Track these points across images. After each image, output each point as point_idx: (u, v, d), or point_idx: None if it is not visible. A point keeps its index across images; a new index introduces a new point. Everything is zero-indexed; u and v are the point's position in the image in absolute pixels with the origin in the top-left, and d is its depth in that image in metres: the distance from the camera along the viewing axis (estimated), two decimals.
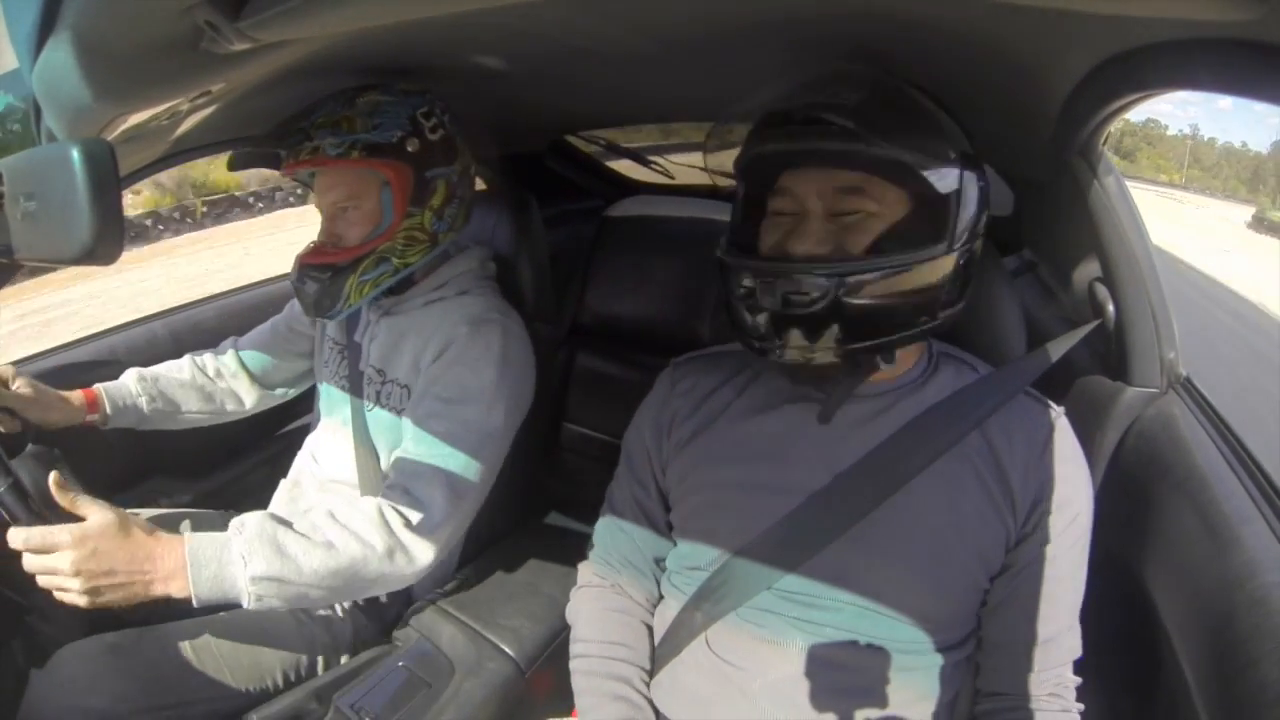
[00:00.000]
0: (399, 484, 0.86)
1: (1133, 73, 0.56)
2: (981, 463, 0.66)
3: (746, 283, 0.63)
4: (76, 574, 0.66)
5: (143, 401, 1.02)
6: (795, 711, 0.65)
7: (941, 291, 0.63)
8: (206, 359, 1.11)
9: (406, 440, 0.90)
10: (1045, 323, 0.91)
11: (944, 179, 0.62)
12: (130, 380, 1.03)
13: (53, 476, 0.69)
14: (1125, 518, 0.72)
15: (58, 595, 0.68)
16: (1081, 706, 0.66)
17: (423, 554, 0.82)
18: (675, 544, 0.76)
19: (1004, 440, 0.66)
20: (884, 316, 0.62)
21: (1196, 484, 0.64)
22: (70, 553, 0.66)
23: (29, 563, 0.67)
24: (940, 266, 0.62)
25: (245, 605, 0.72)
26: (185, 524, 1.02)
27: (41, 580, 0.68)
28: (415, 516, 0.82)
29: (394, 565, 0.80)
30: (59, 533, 0.66)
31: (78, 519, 0.69)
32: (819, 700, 0.65)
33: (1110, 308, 0.77)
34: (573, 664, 0.76)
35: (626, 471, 0.81)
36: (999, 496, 0.65)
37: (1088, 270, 0.81)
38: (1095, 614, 0.70)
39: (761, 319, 0.63)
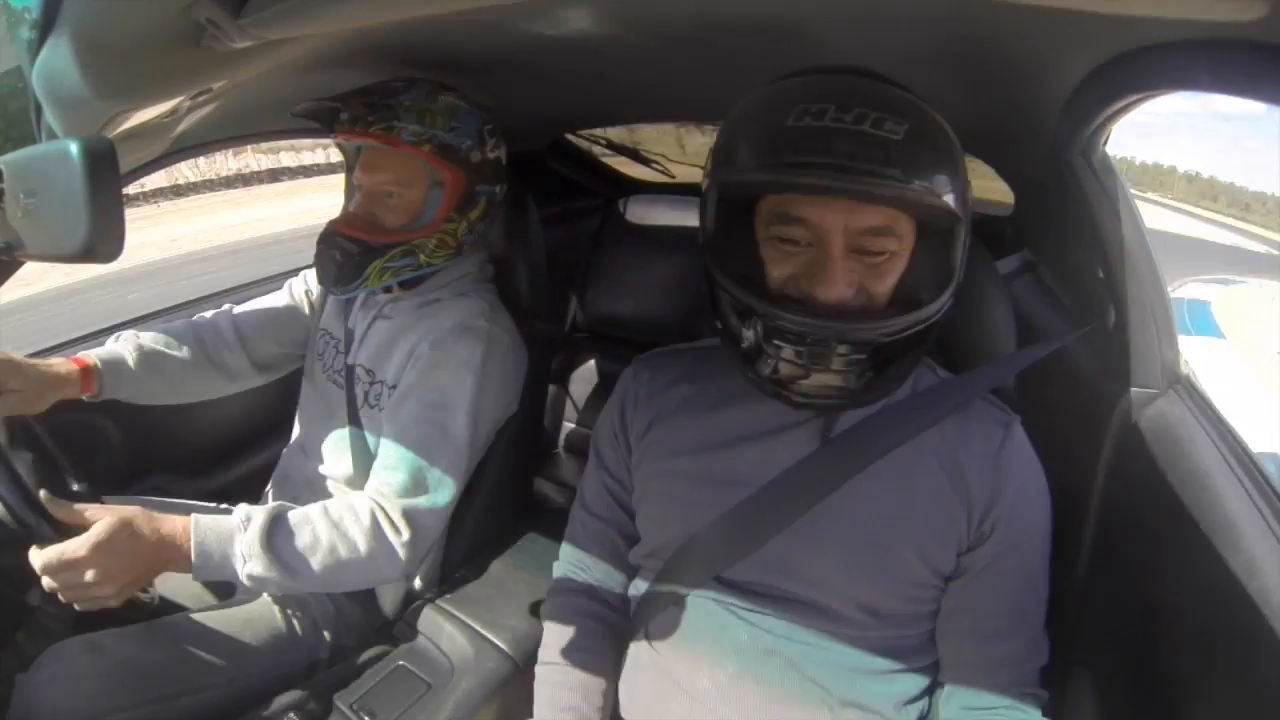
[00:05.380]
0: (386, 489, 0.87)
1: (1134, 73, 0.56)
2: (939, 462, 0.66)
3: (760, 327, 0.60)
4: (103, 581, 0.69)
5: (140, 373, 0.97)
6: (742, 709, 0.65)
7: (946, 313, 0.63)
8: (204, 332, 1.05)
9: (389, 441, 0.90)
10: (1044, 323, 0.91)
11: (962, 212, 0.59)
12: (126, 353, 0.96)
13: (43, 494, 0.70)
14: (1125, 518, 0.72)
15: (85, 606, 0.70)
16: None
17: (405, 559, 0.86)
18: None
19: (962, 443, 0.66)
20: (905, 353, 0.62)
21: (1196, 484, 0.64)
22: (93, 568, 0.68)
23: (51, 584, 0.68)
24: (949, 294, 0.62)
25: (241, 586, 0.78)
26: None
27: (67, 595, 0.69)
28: (401, 523, 0.85)
29: (376, 569, 0.85)
30: (76, 548, 0.68)
31: (79, 528, 0.70)
32: (765, 696, 0.65)
33: (1110, 308, 0.77)
34: (536, 669, 0.77)
35: (596, 464, 0.82)
36: (954, 496, 0.65)
37: (1087, 270, 0.81)
38: (1094, 613, 0.70)
39: (778, 364, 0.60)
